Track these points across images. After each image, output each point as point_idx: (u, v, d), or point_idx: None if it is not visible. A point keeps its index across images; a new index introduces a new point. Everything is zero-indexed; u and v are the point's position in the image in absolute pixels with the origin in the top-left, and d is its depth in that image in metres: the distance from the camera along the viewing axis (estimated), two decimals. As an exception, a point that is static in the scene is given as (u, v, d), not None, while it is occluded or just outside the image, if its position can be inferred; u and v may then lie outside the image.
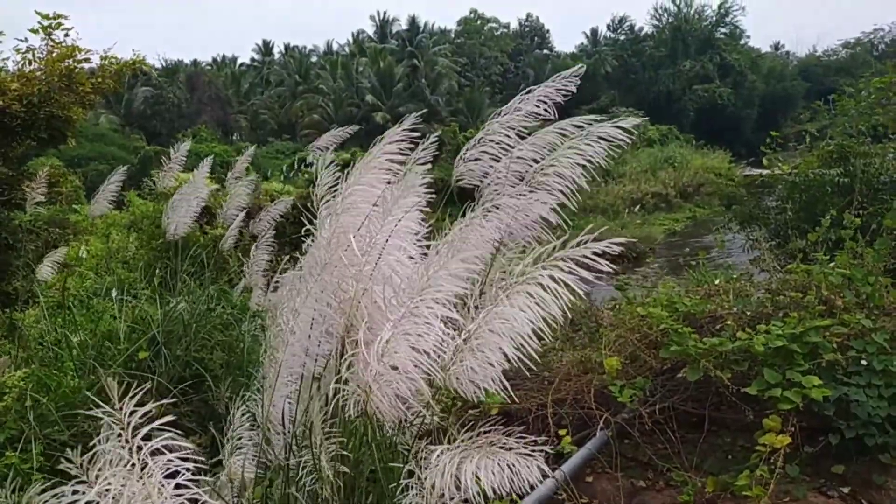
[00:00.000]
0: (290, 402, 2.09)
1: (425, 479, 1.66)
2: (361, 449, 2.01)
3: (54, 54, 5.29)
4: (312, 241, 2.02)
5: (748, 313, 3.69)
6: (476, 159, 2.30)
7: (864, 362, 3.17)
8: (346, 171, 2.14)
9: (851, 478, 3.08)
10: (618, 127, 2.09)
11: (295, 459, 2.01)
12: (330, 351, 1.94)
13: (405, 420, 1.97)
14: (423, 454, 1.78)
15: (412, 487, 1.78)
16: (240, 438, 2.33)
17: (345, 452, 1.94)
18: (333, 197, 2.09)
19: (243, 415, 2.38)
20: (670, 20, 52.17)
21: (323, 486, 1.92)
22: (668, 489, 3.24)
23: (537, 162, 2.22)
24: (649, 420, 3.43)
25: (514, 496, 2.88)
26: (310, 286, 1.89)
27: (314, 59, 56.06)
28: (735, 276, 4.54)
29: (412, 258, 1.91)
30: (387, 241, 1.81)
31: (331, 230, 1.92)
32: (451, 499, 1.68)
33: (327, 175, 2.28)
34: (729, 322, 3.57)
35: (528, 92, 2.23)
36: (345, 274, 1.87)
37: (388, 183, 2.07)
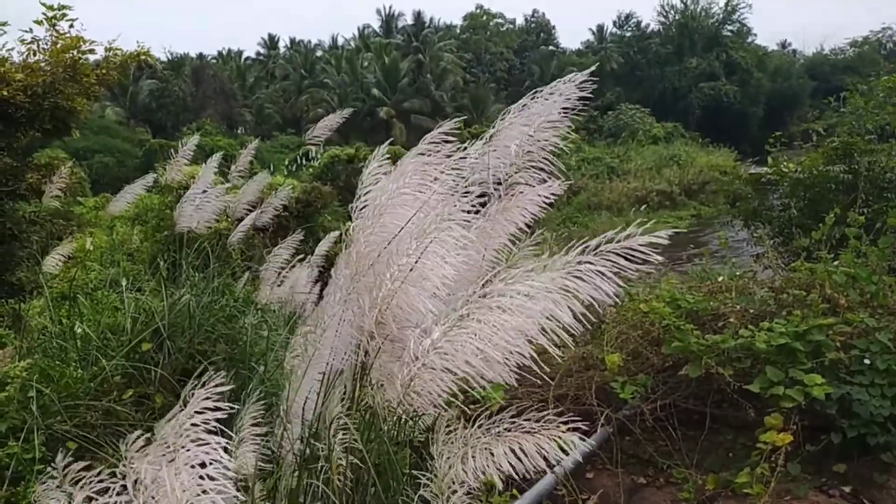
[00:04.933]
0: (310, 397, 2.11)
1: (448, 466, 1.70)
2: (372, 442, 2.03)
3: (59, 45, 5.28)
4: (350, 232, 2.01)
5: (751, 311, 3.68)
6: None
7: (867, 361, 3.16)
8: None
9: (853, 477, 3.07)
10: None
11: (311, 449, 2.03)
12: (357, 346, 1.94)
13: (414, 414, 1.98)
14: (437, 447, 1.81)
15: (423, 479, 1.81)
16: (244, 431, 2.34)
17: (359, 446, 1.95)
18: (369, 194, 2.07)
19: (254, 407, 2.38)
20: (677, 17, 51.93)
21: (334, 476, 1.94)
22: (669, 486, 3.23)
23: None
24: (650, 417, 3.42)
25: (515, 491, 2.89)
26: (347, 282, 1.90)
27: (319, 53, 55.99)
28: (738, 274, 4.52)
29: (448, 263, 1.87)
30: (426, 245, 1.79)
31: (370, 229, 1.92)
32: (462, 484, 1.70)
33: (374, 168, 2.23)
34: (732, 319, 3.56)
35: (536, 92, 2.20)
36: (381, 272, 1.87)
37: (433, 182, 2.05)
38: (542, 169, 2.12)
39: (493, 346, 1.60)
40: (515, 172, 2.16)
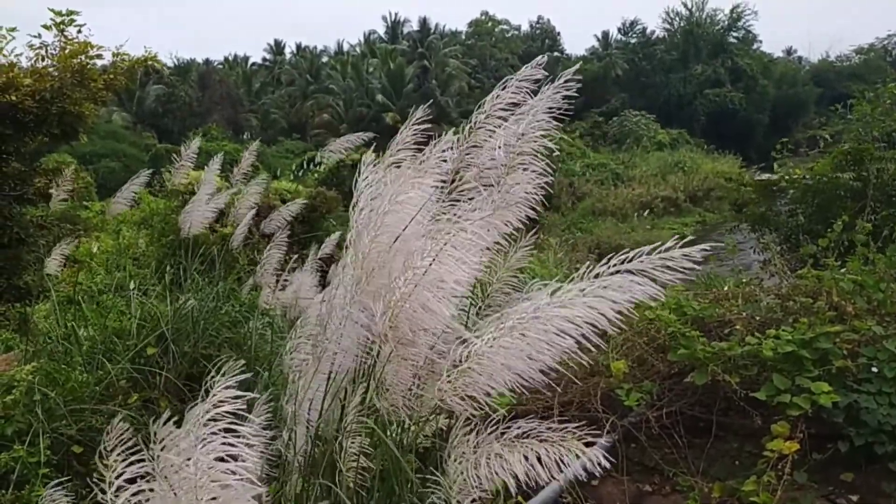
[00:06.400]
0: (316, 399, 2.11)
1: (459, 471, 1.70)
2: (378, 447, 2.03)
3: (67, 51, 5.31)
4: (351, 237, 2.00)
5: (757, 318, 3.66)
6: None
7: (874, 369, 3.14)
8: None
9: (860, 486, 3.05)
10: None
11: (318, 453, 2.03)
12: (366, 349, 1.94)
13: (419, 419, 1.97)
14: (448, 452, 1.81)
15: (432, 484, 1.81)
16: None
17: (369, 450, 1.96)
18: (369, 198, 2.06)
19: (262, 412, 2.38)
20: (682, 24, 51.91)
21: (346, 479, 1.94)
22: (675, 494, 3.22)
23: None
24: (656, 424, 3.41)
25: (520, 497, 2.87)
26: (353, 284, 1.90)
27: (325, 59, 56.17)
28: (745, 281, 4.51)
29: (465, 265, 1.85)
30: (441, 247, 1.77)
31: (375, 230, 1.91)
32: (474, 489, 1.70)
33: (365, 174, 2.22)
34: (738, 326, 3.54)
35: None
36: (388, 273, 1.86)
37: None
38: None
39: (538, 352, 1.60)
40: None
